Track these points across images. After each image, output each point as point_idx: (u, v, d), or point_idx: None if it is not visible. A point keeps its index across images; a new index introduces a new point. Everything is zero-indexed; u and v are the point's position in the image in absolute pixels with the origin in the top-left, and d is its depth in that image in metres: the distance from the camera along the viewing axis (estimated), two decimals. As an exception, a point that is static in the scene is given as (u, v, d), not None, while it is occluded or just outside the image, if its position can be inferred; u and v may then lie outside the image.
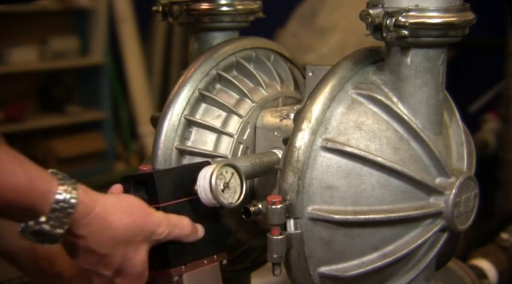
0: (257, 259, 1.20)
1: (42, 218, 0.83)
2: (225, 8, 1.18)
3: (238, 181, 0.98)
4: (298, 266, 0.94)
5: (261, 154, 1.07)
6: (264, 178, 1.09)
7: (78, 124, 4.05)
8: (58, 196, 0.83)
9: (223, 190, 0.96)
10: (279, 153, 1.06)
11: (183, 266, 0.96)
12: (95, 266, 0.90)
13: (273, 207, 0.91)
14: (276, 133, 1.08)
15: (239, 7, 1.19)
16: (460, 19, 0.90)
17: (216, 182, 0.94)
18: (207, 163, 0.98)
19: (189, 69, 1.11)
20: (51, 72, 3.97)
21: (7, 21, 3.59)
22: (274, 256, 0.92)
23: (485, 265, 1.60)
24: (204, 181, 0.95)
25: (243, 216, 1.04)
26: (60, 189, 0.83)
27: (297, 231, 0.92)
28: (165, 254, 0.95)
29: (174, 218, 0.94)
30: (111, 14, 4.02)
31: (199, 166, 0.97)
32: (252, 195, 1.10)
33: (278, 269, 0.93)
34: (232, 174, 0.97)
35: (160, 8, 1.19)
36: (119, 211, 0.89)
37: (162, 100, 3.45)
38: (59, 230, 0.84)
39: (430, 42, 0.91)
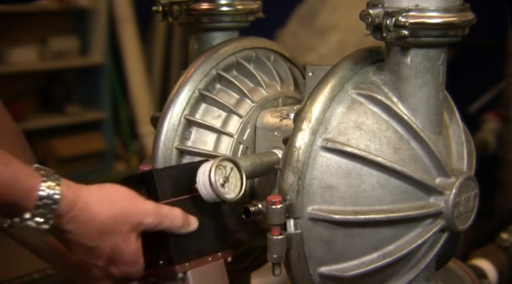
0: (257, 259, 1.20)
1: (27, 215, 0.83)
2: (225, 8, 1.18)
3: (238, 176, 0.98)
4: (298, 266, 0.94)
5: (261, 154, 1.07)
6: (264, 178, 1.09)
7: (78, 124, 4.05)
8: (41, 193, 0.83)
9: (223, 185, 0.96)
10: (279, 153, 1.06)
11: (187, 264, 0.96)
12: (87, 257, 0.91)
13: (273, 207, 0.91)
14: (276, 133, 1.08)
15: (239, 7, 1.19)
16: (460, 19, 0.90)
17: (215, 176, 0.95)
18: (206, 161, 0.99)
19: (189, 69, 1.11)
20: (51, 72, 3.97)
21: (7, 21, 3.59)
22: (274, 256, 0.92)
23: (485, 265, 1.60)
24: (203, 176, 0.95)
25: (243, 216, 1.04)
26: (43, 185, 0.84)
27: (297, 231, 0.92)
28: (168, 249, 0.95)
29: (164, 209, 0.94)
30: (111, 14, 4.01)
31: (199, 164, 0.98)
32: (252, 195, 1.10)
33: (278, 269, 0.93)
34: (232, 169, 0.97)
35: (160, 8, 1.19)
36: (101, 202, 0.89)
37: (162, 100, 3.44)
38: (45, 226, 0.84)
39: (430, 42, 0.91)
